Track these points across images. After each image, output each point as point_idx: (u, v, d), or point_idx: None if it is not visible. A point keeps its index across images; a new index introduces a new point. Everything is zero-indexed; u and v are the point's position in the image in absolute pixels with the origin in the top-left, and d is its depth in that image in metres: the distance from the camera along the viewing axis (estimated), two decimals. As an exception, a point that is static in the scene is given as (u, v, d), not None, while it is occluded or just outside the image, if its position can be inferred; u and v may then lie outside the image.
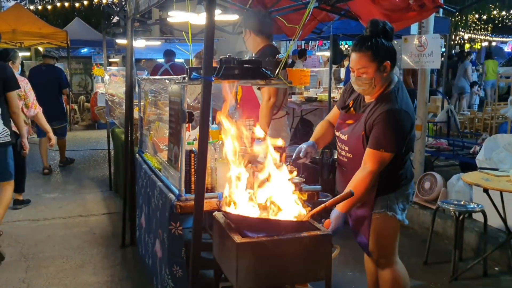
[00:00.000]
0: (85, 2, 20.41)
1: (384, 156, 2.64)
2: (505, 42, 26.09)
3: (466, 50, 19.35)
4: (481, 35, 25.14)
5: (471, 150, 6.37)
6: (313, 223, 2.43)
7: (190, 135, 3.52)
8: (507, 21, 24.19)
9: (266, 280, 2.25)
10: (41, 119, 5.88)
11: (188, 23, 3.51)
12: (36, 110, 5.86)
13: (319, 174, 5.32)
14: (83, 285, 4.00)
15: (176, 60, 9.89)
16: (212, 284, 2.72)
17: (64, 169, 8.39)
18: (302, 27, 3.09)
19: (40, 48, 17.16)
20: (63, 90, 8.64)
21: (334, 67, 8.61)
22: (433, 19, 5.62)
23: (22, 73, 8.32)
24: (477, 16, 23.00)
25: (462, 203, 4.28)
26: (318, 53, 13.67)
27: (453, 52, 17.77)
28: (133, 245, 4.70)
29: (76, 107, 13.91)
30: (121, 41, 10.70)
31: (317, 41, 15.63)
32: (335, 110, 3.15)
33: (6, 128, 4.69)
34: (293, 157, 2.95)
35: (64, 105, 9.20)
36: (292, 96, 7.91)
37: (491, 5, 20.96)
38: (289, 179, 2.51)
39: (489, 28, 25.01)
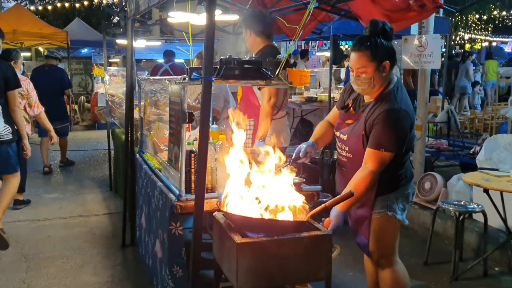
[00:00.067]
0: (86, 3, 20.42)
1: (384, 155, 2.65)
2: (506, 42, 26.07)
3: (467, 51, 19.37)
4: (482, 35, 25.13)
5: (471, 151, 6.37)
6: (313, 223, 2.44)
7: (190, 135, 3.52)
8: (507, 21, 24.19)
9: (266, 280, 2.26)
10: (43, 118, 6.02)
11: (189, 24, 3.51)
12: (39, 109, 5.98)
13: (319, 174, 5.32)
14: (84, 285, 4.00)
15: (177, 60, 9.90)
16: (212, 284, 2.72)
17: (64, 169, 8.40)
18: (302, 28, 3.09)
19: (41, 49, 17.19)
20: (65, 90, 8.67)
21: (334, 67, 8.60)
22: (433, 19, 5.62)
23: (23, 73, 8.34)
24: (477, 16, 22.99)
25: (462, 203, 4.27)
26: (318, 53, 13.66)
27: (453, 52, 17.75)
28: (134, 245, 4.71)
29: (76, 107, 13.93)
30: (121, 41, 10.71)
31: (317, 42, 15.63)
32: (334, 111, 3.15)
33: (7, 126, 4.77)
34: (293, 157, 2.95)
35: (66, 105, 9.24)
36: (292, 96, 7.91)
37: (491, 5, 20.96)
38: (289, 180, 2.52)
39: (490, 28, 25.00)
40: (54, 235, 5.14)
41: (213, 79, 2.47)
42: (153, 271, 3.52)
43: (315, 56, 14.75)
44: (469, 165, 5.70)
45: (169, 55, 9.48)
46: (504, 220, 4.10)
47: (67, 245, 4.85)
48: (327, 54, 12.80)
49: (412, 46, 5.43)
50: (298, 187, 2.93)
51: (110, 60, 13.49)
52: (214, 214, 2.61)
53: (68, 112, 10.73)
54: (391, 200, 2.83)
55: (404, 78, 9.28)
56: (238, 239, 2.22)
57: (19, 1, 24.68)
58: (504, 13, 22.64)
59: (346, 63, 10.56)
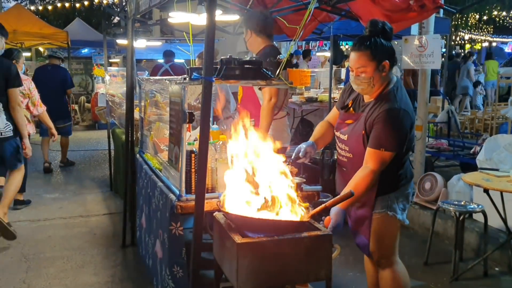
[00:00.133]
0: (86, 3, 20.44)
1: (384, 155, 2.65)
2: (506, 43, 26.08)
3: (469, 51, 19.36)
4: (482, 35, 25.15)
5: (472, 151, 6.37)
6: (313, 223, 2.44)
7: (191, 136, 3.52)
8: (508, 20, 24.20)
9: (267, 280, 2.26)
10: (44, 117, 6.17)
11: (189, 24, 3.51)
12: (42, 108, 6.11)
13: (319, 175, 5.33)
14: (84, 286, 4.00)
15: (177, 60, 9.90)
16: (212, 285, 2.73)
17: (64, 170, 8.40)
18: (302, 28, 3.09)
19: (41, 49, 17.20)
20: (67, 90, 8.71)
21: (334, 67, 8.60)
22: (433, 19, 5.63)
23: (24, 73, 8.37)
24: (477, 16, 23.01)
25: (462, 203, 4.28)
26: (318, 54, 13.65)
27: (454, 52, 17.74)
28: (134, 245, 4.71)
29: (76, 107, 13.93)
30: (121, 41, 10.71)
31: (318, 42, 15.63)
32: (334, 111, 3.15)
33: (9, 123, 4.88)
34: (293, 157, 2.96)
35: (68, 104, 9.30)
36: (293, 96, 7.92)
37: (492, 6, 20.98)
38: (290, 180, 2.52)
39: (490, 29, 25.02)
40: (55, 235, 5.14)
41: (214, 79, 2.47)
42: (153, 271, 3.52)
43: (315, 57, 14.75)
44: (469, 165, 5.70)
45: (168, 55, 9.49)
46: (504, 220, 4.11)
47: (67, 245, 4.85)
48: (326, 54, 12.79)
49: (412, 46, 5.43)
50: (298, 187, 2.93)
51: (110, 60, 13.49)
52: (214, 214, 2.62)
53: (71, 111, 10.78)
54: (391, 200, 2.83)
55: (404, 78, 9.27)
56: (238, 239, 2.22)
57: (19, 1, 24.70)
58: (504, 13, 22.67)
59: (346, 63, 10.56)
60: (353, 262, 4.25)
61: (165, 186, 3.17)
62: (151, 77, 6.19)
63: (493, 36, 25.50)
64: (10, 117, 4.91)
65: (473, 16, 22.94)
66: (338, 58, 10.72)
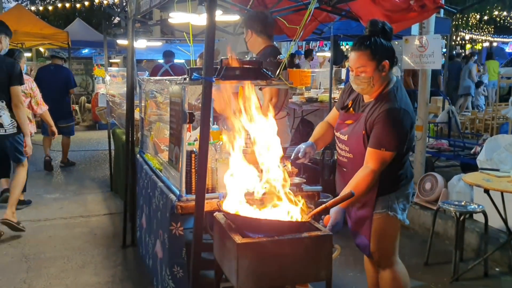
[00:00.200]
0: (86, 3, 20.45)
1: (385, 155, 2.65)
2: (506, 43, 26.06)
3: (472, 51, 19.36)
4: (482, 35, 25.14)
5: (472, 151, 6.36)
6: (313, 223, 2.44)
7: (191, 136, 3.52)
8: (508, 21, 24.19)
9: (267, 280, 2.26)
10: (46, 115, 6.31)
11: (189, 24, 3.51)
12: (45, 107, 6.23)
13: (319, 175, 5.33)
14: (84, 286, 4.00)
15: (177, 60, 9.90)
16: (212, 285, 2.73)
17: (65, 170, 8.40)
18: (303, 28, 3.10)
19: (41, 49, 17.21)
20: (70, 90, 8.77)
21: (334, 67, 8.60)
22: (434, 19, 5.62)
23: (25, 73, 8.41)
24: (478, 16, 23.00)
25: (462, 203, 4.27)
26: (318, 54, 13.63)
27: (454, 52, 17.74)
28: (134, 245, 4.71)
29: (77, 107, 13.94)
30: (122, 41, 10.71)
31: (318, 42, 15.62)
32: (334, 112, 3.15)
33: (13, 120, 5.07)
34: (292, 157, 2.96)
35: (70, 104, 9.35)
36: (293, 96, 7.91)
37: (492, 6, 20.97)
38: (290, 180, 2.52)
39: (490, 29, 25.01)
40: (55, 236, 5.14)
41: (214, 79, 2.47)
42: (154, 271, 3.53)
43: (315, 57, 14.75)
44: (470, 166, 5.69)
45: (168, 55, 9.51)
46: (505, 221, 4.10)
47: (67, 246, 4.85)
48: (325, 54, 12.79)
49: (413, 47, 5.43)
50: (298, 187, 2.94)
51: (110, 61, 13.50)
52: (214, 214, 2.62)
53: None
54: (392, 200, 2.83)
55: (404, 79, 9.27)
56: (238, 239, 2.22)
57: (19, 2, 24.71)
58: (504, 13, 22.66)
59: (347, 64, 10.56)
60: (353, 262, 4.25)
61: (165, 186, 3.17)
62: (152, 77, 6.20)
63: (493, 36, 25.48)
64: (14, 115, 5.07)
65: (474, 16, 22.93)
66: (339, 58, 10.72)
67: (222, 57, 2.68)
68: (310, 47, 14.92)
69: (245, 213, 2.42)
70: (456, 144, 6.81)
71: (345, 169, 2.94)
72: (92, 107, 12.32)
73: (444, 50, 10.54)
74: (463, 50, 23.26)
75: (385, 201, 2.82)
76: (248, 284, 2.22)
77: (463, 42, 25.22)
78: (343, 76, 9.58)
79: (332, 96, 6.99)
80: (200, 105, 2.48)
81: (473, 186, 4.39)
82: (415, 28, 6.46)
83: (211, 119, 2.79)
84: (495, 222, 4.33)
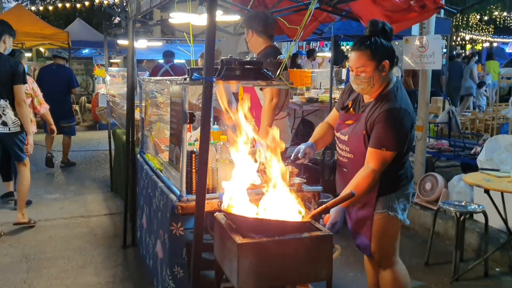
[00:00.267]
0: (87, 3, 20.45)
1: (386, 155, 2.66)
2: (506, 43, 26.05)
3: (471, 51, 19.34)
4: (483, 36, 25.14)
5: (472, 151, 6.36)
6: (314, 223, 2.44)
7: (191, 136, 3.52)
8: (508, 21, 24.19)
9: (267, 280, 2.26)
10: (47, 114, 6.38)
11: (190, 24, 3.51)
12: (47, 106, 6.30)
13: (320, 175, 5.33)
14: (85, 286, 4.00)
15: (178, 61, 9.90)
16: (213, 285, 2.73)
17: (65, 170, 8.41)
18: (303, 28, 3.10)
19: (42, 49, 17.20)
20: (72, 89, 8.82)
21: (335, 67, 8.60)
22: (434, 20, 5.62)
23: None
24: (478, 17, 23.00)
25: (463, 204, 4.28)
26: (318, 54, 13.65)
27: (454, 53, 17.73)
28: (134, 245, 4.71)
29: (77, 108, 13.94)
30: (122, 41, 10.72)
31: (318, 42, 15.63)
32: (334, 112, 3.16)
33: (17, 119, 5.16)
34: (292, 158, 2.96)
35: (72, 104, 9.41)
36: (293, 97, 7.92)
37: (492, 6, 20.97)
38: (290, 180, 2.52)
39: (490, 29, 25.01)
40: (55, 236, 5.14)
41: (214, 79, 2.47)
42: (154, 271, 3.53)
43: (317, 57, 14.75)
44: (470, 166, 5.69)
45: (168, 55, 9.52)
46: (505, 221, 4.10)
47: (68, 246, 4.85)
48: (324, 54, 12.79)
49: (413, 47, 5.43)
50: (299, 187, 2.94)
51: (111, 61, 13.50)
52: (215, 214, 2.62)
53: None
54: (392, 200, 2.83)
55: (404, 79, 9.27)
56: (239, 239, 2.22)
57: (20, 2, 24.72)
58: (505, 13, 22.66)
59: (347, 64, 10.57)
60: (353, 262, 4.25)
61: (165, 186, 3.17)
62: (152, 78, 6.20)
63: (494, 36, 25.48)
64: (17, 114, 5.15)
65: (474, 16, 22.93)
66: (339, 59, 10.72)
67: (222, 57, 2.68)
68: (311, 47, 14.93)
69: (245, 213, 2.42)
70: (457, 144, 6.81)
71: (345, 170, 2.94)
72: (93, 107, 12.32)
73: (445, 50, 10.54)
74: (463, 51, 23.25)
75: (386, 201, 2.83)
76: (248, 284, 2.22)
77: (463, 42, 25.22)
78: (344, 77, 9.59)
79: (333, 96, 6.99)
80: (201, 104, 2.48)
81: (473, 186, 4.39)
82: (415, 29, 6.46)
83: (211, 119, 2.79)
84: (495, 222, 4.33)
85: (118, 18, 11.66)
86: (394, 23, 4.28)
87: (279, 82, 2.85)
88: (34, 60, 16.94)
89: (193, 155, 2.85)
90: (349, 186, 2.65)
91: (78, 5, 22.83)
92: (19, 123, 5.17)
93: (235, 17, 6.11)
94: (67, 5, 19.95)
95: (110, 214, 5.87)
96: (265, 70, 2.75)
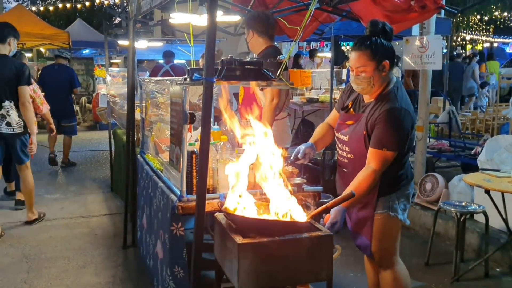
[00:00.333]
0: (87, 3, 20.46)
1: (387, 155, 2.66)
2: (507, 43, 26.04)
3: (472, 51, 19.32)
4: (483, 36, 25.13)
5: (473, 151, 6.37)
6: (314, 224, 2.44)
7: (192, 136, 3.52)
8: (508, 22, 24.18)
9: (268, 281, 2.26)
10: (47, 114, 6.37)
11: (190, 24, 3.51)
12: (48, 106, 6.31)
13: (320, 175, 5.32)
14: (85, 286, 4.00)
15: (178, 61, 9.90)
16: (213, 285, 2.73)
17: (65, 170, 8.41)
18: (303, 28, 3.10)
19: (42, 49, 17.20)
20: (74, 89, 8.85)
21: (335, 68, 8.60)
22: (434, 20, 5.63)
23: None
24: (478, 17, 23.00)
25: (463, 204, 4.28)
26: (318, 54, 13.63)
27: (455, 53, 17.73)
28: (135, 246, 4.71)
29: (78, 108, 13.95)
30: (123, 42, 10.73)
31: (319, 42, 15.62)
32: (334, 113, 3.16)
33: (21, 120, 5.22)
34: (292, 158, 2.96)
35: (73, 104, 9.43)
36: (294, 97, 7.92)
37: (492, 6, 20.96)
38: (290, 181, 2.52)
39: (491, 29, 25.00)
40: (56, 236, 5.15)
41: (215, 80, 2.47)
42: (154, 271, 3.53)
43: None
44: (470, 166, 5.70)
45: (168, 55, 9.53)
46: (505, 221, 4.10)
47: (68, 246, 4.86)
48: (324, 54, 12.78)
49: (414, 47, 5.43)
50: (299, 187, 2.94)
51: (111, 61, 13.50)
52: (215, 214, 2.62)
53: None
54: (392, 201, 2.84)
55: (404, 79, 9.27)
56: (239, 239, 2.22)
57: (20, 2, 24.73)
58: (505, 14, 22.65)
59: (347, 64, 10.56)
60: (354, 262, 4.25)
61: (166, 186, 3.17)
62: (152, 78, 6.20)
63: (494, 36, 25.47)
64: (21, 114, 5.21)
65: (474, 16, 22.93)
66: (339, 59, 10.72)
67: (223, 57, 2.68)
68: (311, 47, 14.92)
69: (246, 213, 2.42)
70: (457, 144, 6.81)
71: (345, 170, 2.94)
72: (93, 107, 12.33)
73: (445, 50, 10.54)
74: (463, 51, 23.24)
75: (386, 201, 2.83)
76: (249, 285, 2.22)
77: (464, 42, 25.21)
78: (344, 77, 9.59)
79: (333, 96, 6.99)
80: (201, 104, 2.48)
81: (474, 186, 4.39)
82: (415, 29, 6.46)
83: (211, 119, 2.80)
84: (496, 222, 4.33)
85: (118, 19, 11.68)
86: (395, 23, 4.28)
87: (279, 82, 2.85)
88: (35, 60, 16.94)
89: (194, 155, 2.85)
90: (350, 187, 2.65)
91: (79, 6, 22.85)
92: (23, 124, 5.22)
93: (236, 18, 6.11)
94: (68, 5, 19.97)
95: (111, 214, 5.87)
96: (265, 70, 2.75)
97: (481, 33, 24.91)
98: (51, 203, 6.40)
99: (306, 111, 7.83)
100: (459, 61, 14.00)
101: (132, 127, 4.72)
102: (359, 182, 2.66)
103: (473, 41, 25.63)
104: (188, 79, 2.68)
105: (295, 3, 5.21)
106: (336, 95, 7.27)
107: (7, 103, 5.13)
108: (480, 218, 4.53)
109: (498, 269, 4.31)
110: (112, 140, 7.16)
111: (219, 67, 2.64)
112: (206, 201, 2.50)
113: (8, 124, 5.15)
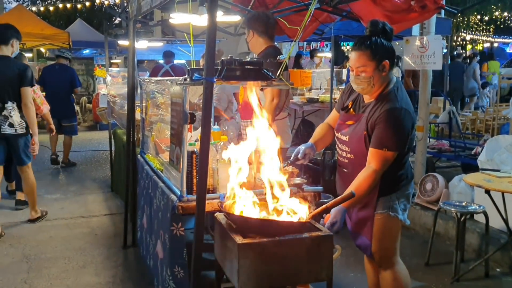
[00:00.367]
0: (87, 4, 20.46)
1: (387, 155, 2.66)
2: (507, 43, 26.04)
3: (473, 52, 19.31)
4: (483, 36, 25.13)
5: (473, 151, 6.36)
6: (314, 224, 2.44)
7: (192, 136, 3.53)
8: (508, 22, 24.18)
9: (268, 281, 2.26)
10: (47, 115, 6.40)
11: (190, 25, 3.52)
12: (48, 106, 6.34)
13: (320, 175, 5.33)
14: (85, 286, 4.00)
15: (178, 61, 9.91)
16: (213, 285, 2.73)
17: (66, 170, 8.41)
18: (303, 29, 3.10)
19: (42, 49, 17.20)
20: (75, 89, 8.87)
21: (335, 68, 8.60)
22: (434, 20, 5.63)
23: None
24: (478, 17, 23.00)
25: (463, 204, 4.28)
26: (319, 54, 13.62)
27: (455, 53, 17.74)
28: (135, 246, 4.71)
29: (78, 108, 13.94)
30: (123, 42, 10.73)
31: (319, 42, 15.62)
32: (334, 113, 3.16)
33: (23, 121, 5.26)
34: (291, 159, 2.96)
35: (74, 104, 9.45)
36: (294, 97, 7.91)
37: (492, 6, 20.96)
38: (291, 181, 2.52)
39: (491, 29, 25.00)
40: (56, 236, 5.15)
41: (215, 80, 2.48)
42: (154, 271, 3.53)
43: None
44: (471, 166, 5.70)
45: (168, 55, 9.53)
46: (506, 221, 4.10)
47: (68, 246, 4.86)
48: (324, 54, 12.78)
49: (414, 47, 5.43)
50: (299, 188, 2.94)
51: (111, 61, 13.50)
52: (215, 214, 2.62)
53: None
54: (392, 201, 2.84)
55: (404, 79, 9.26)
56: (239, 239, 2.22)
57: (20, 2, 24.74)
58: (505, 14, 22.66)
59: (347, 64, 10.55)
60: (354, 262, 4.25)
61: (166, 186, 3.17)
62: (152, 78, 6.21)
63: (494, 36, 25.47)
64: (24, 115, 5.25)
65: (475, 16, 22.93)
66: (339, 59, 10.72)
67: (223, 58, 2.68)
68: (312, 48, 14.92)
69: (246, 213, 2.42)
70: (457, 144, 6.81)
71: (345, 170, 2.94)
72: (93, 107, 12.33)
73: (445, 50, 10.54)
74: (463, 51, 23.24)
75: (386, 201, 2.83)
76: (249, 285, 2.23)
77: (464, 42, 25.21)
78: (344, 77, 9.59)
79: (333, 96, 6.99)
80: (201, 104, 2.48)
81: (474, 186, 4.39)
82: (416, 29, 6.46)
83: (212, 119, 2.80)
84: (496, 222, 4.33)
85: (118, 19, 11.68)
86: (395, 23, 4.28)
87: (279, 82, 2.85)
88: (35, 60, 16.93)
89: (194, 155, 2.86)
90: (351, 187, 2.65)
91: (79, 6, 22.85)
92: (25, 125, 5.26)
93: (236, 18, 6.11)
94: (68, 5, 19.97)
95: (111, 214, 5.87)
96: (265, 70, 2.76)
97: (481, 33, 24.92)
98: (51, 203, 6.40)
99: (306, 111, 7.83)
100: (459, 61, 14.00)
101: (132, 127, 4.72)
102: (359, 182, 2.66)
103: (473, 41, 25.63)
104: (188, 79, 2.68)
105: (295, 3, 5.21)
106: (336, 95, 7.27)
107: (9, 104, 5.16)
108: (480, 218, 4.52)
109: (498, 269, 4.31)
110: (112, 140, 7.16)
111: (219, 67, 2.64)
112: (206, 201, 2.50)
113: (11, 125, 5.18)
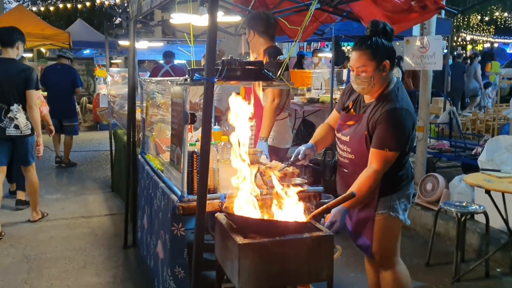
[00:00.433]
0: (88, 4, 20.46)
1: (388, 155, 2.66)
2: (507, 44, 26.04)
3: (473, 52, 19.31)
4: (483, 36, 25.13)
5: (473, 152, 6.37)
6: (315, 224, 2.44)
7: (193, 136, 3.53)
8: (509, 22, 24.19)
9: (268, 281, 2.26)
10: (47, 116, 6.42)
11: (190, 25, 3.52)
12: (47, 108, 6.39)
13: (321, 176, 5.33)
14: (86, 286, 4.01)
15: (179, 61, 9.91)
16: (214, 285, 2.73)
17: (66, 170, 8.41)
18: (304, 29, 3.10)
19: (43, 49, 17.20)
20: (76, 89, 8.90)
21: (335, 68, 8.60)
22: (435, 20, 5.63)
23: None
24: (479, 17, 23.01)
25: (464, 204, 4.28)
26: (319, 54, 13.62)
27: (455, 53, 17.73)
28: (135, 246, 4.71)
29: (78, 108, 13.93)
30: (123, 42, 10.72)
31: (319, 43, 15.63)
32: (334, 113, 3.16)
33: (28, 123, 5.31)
34: (292, 159, 2.96)
35: (76, 104, 9.47)
36: (294, 97, 7.92)
37: (493, 7, 20.97)
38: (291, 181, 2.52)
39: (491, 30, 25.00)
40: (56, 236, 5.15)
41: (216, 80, 2.48)
42: (155, 272, 3.53)
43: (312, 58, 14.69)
44: (471, 166, 5.70)
45: (168, 56, 9.54)
46: (506, 221, 4.10)
47: (69, 246, 4.86)
48: (323, 54, 12.77)
49: (414, 47, 5.43)
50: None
51: (112, 61, 13.50)
52: (216, 215, 2.62)
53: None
54: (393, 201, 2.84)
55: (404, 80, 9.26)
56: (240, 240, 2.22)
57: (21, 2, 24.74)
58: (506, 14, 22.66)
59: (348, 65, 10.55)
60: (354, 263, 4.25)
61: (166, 187, 3.17)
62: (153, 78, 6.21)
63: (494, 37, 25.48)
64: (29, 117, 5.30)
65: (475, 17, 22.94)
66: (340, 59, 10.72)
67: (223, 58, 2.69)
68: (312, 48, 14.92)
69: (247, 213, 2.42)
70: (457, 144, 6.81)
71: (346, 170, 2.94)
72: (94, 107, 12.34)
73: (446, 51, 10.54)
74: (464, 51, 23.25)
75: (387, 201, 2.83)
76: (249, 285, 2.23)
77: (464, 43, 25.22)
78: (345, 77, 9.59)
79: (334, 96, 7.00)
80: (202, 104, 2.47)
81: (474, 186, 4.39)
82: (416, 29, 6.46)
83: (212, 119, 2.80)
84: (496, 222, 4.33)
85: (119, 19, 11.67)
86: (395, 23, 4.28)
87: (279, 82, 2.85)
88: (35, 60, 16.94)
89: (194, 156, 2.86)
90: (352, 187, 2.65)
91: (79, 6, 22.85)
92: (30, 127, 5.30)
93: (236, 18, 6.11)
94: (68, 5, 19.97)
95: (111, 215, 5.87)
96: (265, 70, 2.76)
97: (481, 34, 24.92)
98: (51, 203, 6.40)
99: (306, 111, 7.84)
100: (459, 61, 13.99)
101: (132, 127, 4.72)
102: (360, 182, 2.66)
103: (474, 42, 25.64)
104: (189, 79, 2.68)
105: (295, 4, 5.21)
106: (337, 95, 7.27)
107: (15, 106, 5.21)
108: (480, 218, 4.52)
109: (498, 270, 4.31)
110: (113, 140, 7.16)
111: (220, 67, 2.64)
112: (207, 201, 2.50)
113: (16, 127, 5.23)
